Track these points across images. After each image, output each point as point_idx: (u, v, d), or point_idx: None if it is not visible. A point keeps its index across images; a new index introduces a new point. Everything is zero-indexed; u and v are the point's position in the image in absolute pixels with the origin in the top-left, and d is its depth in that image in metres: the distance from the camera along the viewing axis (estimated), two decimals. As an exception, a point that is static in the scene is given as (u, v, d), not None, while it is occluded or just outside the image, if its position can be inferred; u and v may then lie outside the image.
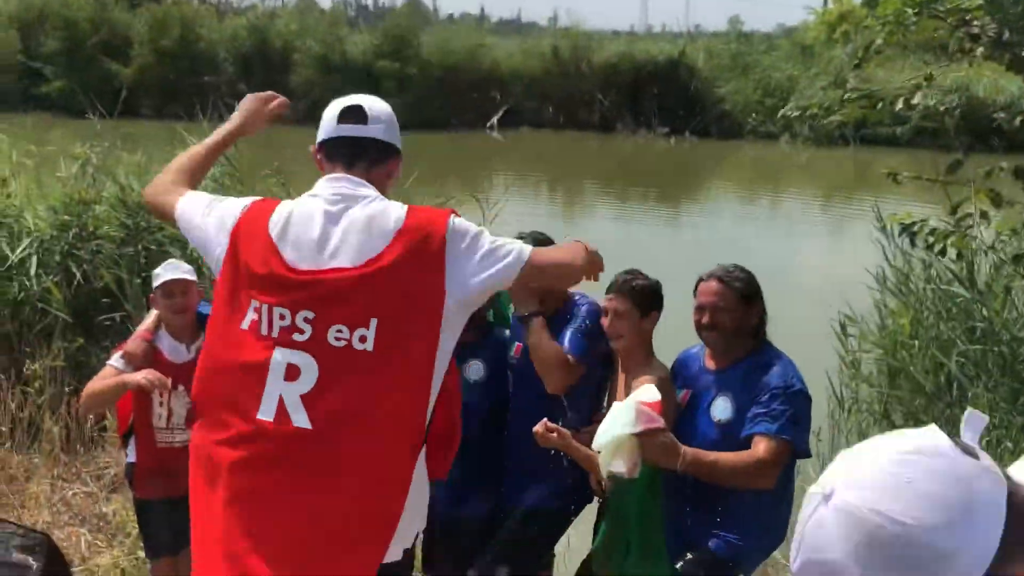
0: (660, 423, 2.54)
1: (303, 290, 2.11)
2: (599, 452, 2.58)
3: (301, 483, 2.06)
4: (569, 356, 3.10)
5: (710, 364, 3.02)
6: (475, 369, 3.34)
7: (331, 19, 30.02)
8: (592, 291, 3.17)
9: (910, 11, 3.25)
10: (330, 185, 2.28)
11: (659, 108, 25.89)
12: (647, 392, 2.65)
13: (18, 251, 6.00)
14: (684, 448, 2.63)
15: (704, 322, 2.93)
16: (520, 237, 3.10)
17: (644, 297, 3.05)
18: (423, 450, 2.17)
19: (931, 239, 3.50)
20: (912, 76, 3.53)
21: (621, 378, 3.15)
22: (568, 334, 3.15)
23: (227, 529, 2.05)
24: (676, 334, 3.28)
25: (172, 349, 3.50)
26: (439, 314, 2.11)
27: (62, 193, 6.43)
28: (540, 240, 3.06)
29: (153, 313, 3.58)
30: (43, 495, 4.83)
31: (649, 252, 12.60)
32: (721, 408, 2.87)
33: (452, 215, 2.22)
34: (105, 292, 6.00)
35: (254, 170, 7.56)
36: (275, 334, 2.09)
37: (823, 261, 12.47)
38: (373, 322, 2.06)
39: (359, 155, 2.32)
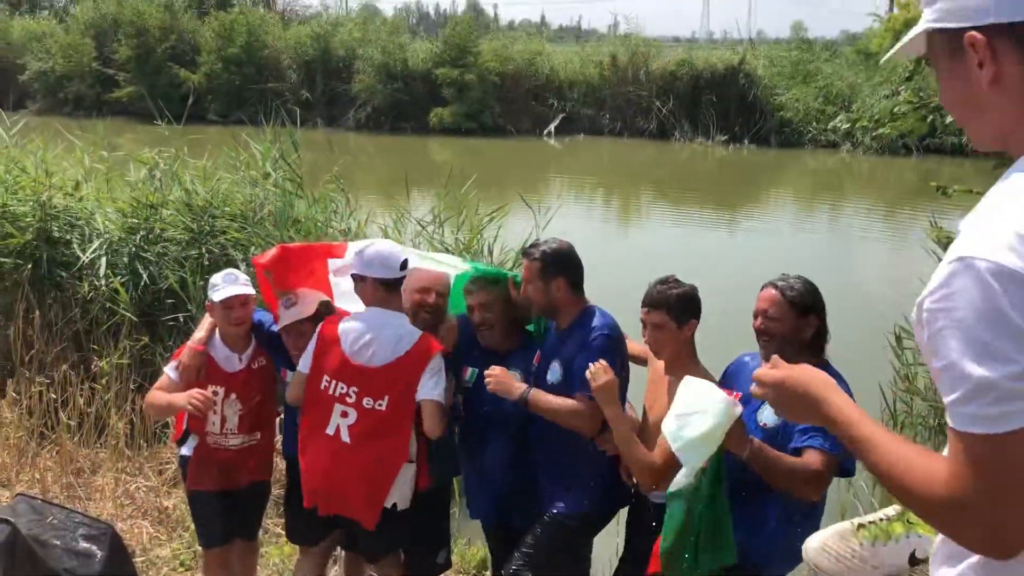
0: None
1: None
2: (681, 449, 2.62)
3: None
4: (584, 405, 3.12)
5: None
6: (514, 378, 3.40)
7: (392, 27, 30.41)
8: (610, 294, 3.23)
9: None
10: None
11: (717, 116, 25.67)
12: (700, 383, 2.74)
13: (89, 252, 6.24)
14: (751, 437, 2.72)
15: (757, 327, 2.97)
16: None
17: (681, 307, 3.08)
18: None
19: None
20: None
21: (664, 380, 3.17)
22: (580, 372, 3.12)
23: None
24: (734, 341, 3.29)
25: (226, 359, 3.64)
26: None
27: (130, 197, 6.66)
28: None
29: (207, 321, 3.67)
30: (108, 488, 5.03)
31: (705, 260, 12.55)
32: (768, 414, 2.89)
33: None
34: (169, 293, 6.20)
35: (315, 175, 7.73)
36: None
37: (882, 272, 12.28)
38: None
39: None
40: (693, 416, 2.61)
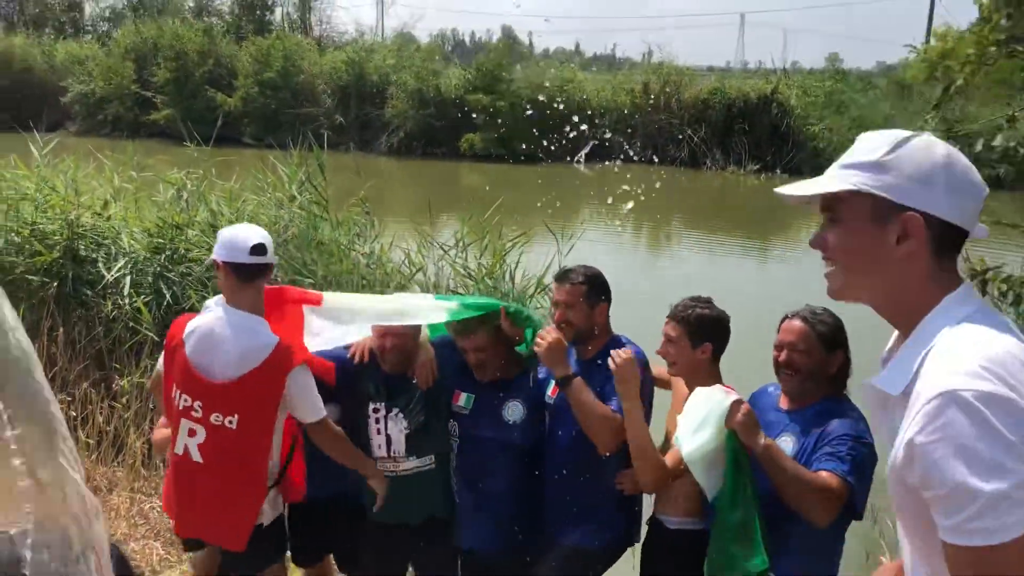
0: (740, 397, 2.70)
1: None
2: (690, 457, 2.72)
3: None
4: (617, 416, 3.05)
5: (783, 404, 2.96)
6: (514, 409, 3.34)
7: (426, 54, 30.69)
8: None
9: (992, 49, 3.16)
10: None
11: (749, 144, 25.60)
12: (707, 389, 2.79)
13: (114, 271, 6.29)
14: (764, 435, 2.68)
15: (781, 360, 2.88)
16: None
17: (699, 327, 3.01)
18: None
19: (1004, 287, 3.36)
20: (993, 117, 3.43)
21: (681, 399, 3.10)
22: (614, 394, 3.06)
23: None
24: (762, 371, 3.21)
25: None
26: None
27: (157, 217, 6.71)
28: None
29: None
30: (123, 507, 5.03)
31: (735, 288, 12.41)
32: (782, 445, 2.81)
33: None
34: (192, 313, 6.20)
35: (346, 199, 7.75)
36: None
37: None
38: None
39: None
40: (700, 421, 2.72)
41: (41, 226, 6.65)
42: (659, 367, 3.37)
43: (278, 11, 39.76)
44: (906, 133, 1.51)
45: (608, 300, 3.28)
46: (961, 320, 1.42)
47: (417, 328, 3.41)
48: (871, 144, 1.51)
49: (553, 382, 3.29)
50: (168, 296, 6.27)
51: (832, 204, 1.53)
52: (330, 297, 3.47)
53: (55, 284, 6.39)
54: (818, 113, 26.60)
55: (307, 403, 3.12)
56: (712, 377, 3.05)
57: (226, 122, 27.36)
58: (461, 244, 6.73)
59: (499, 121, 26.76)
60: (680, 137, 26.80)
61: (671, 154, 26.92)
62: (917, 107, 23.84)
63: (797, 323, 2.86)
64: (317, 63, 30.02)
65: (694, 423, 2.75)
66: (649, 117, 27.36)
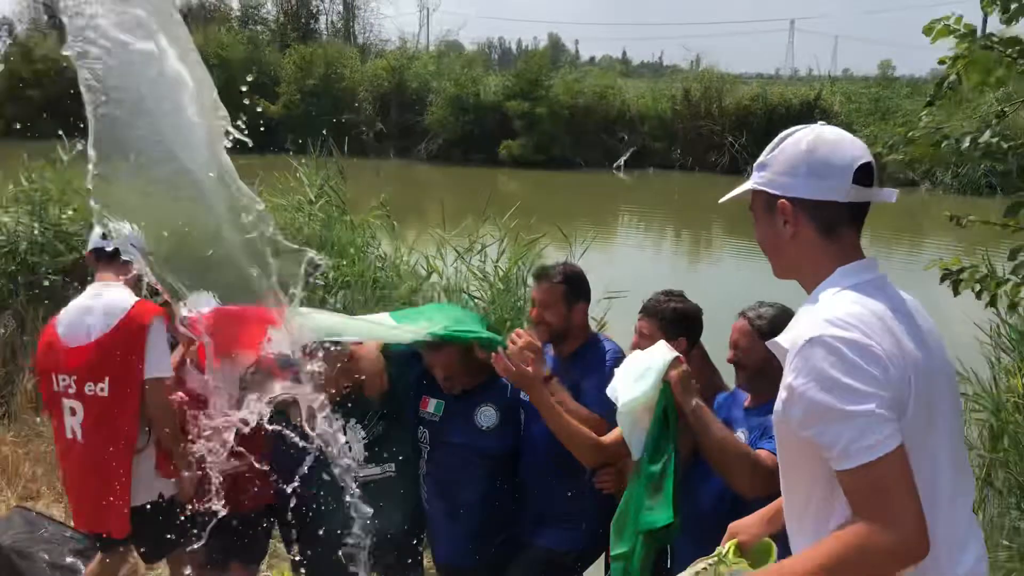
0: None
1: None
2: (623, 411, 2.64)
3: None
4: (597, 418, 2.96)
5: (747, 402, 2.88)
6: (487, 415, 3.23)
7: (466, 61, 30.81)
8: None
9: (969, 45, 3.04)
10: None
11: (792, 152, 25.22)
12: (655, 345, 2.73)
13: (132, 273, 6.34)
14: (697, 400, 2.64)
15: (728, 359, 2.84)
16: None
17: (672, 321, 2.92)
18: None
19: (978, 287, 3.23)
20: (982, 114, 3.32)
21: None
22: (592, 390, 3.00)
23: None
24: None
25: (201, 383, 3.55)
26: None
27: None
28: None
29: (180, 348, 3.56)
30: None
31: (774, 296, 12.13)
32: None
33: None
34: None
35: (359, 202, 7.79)
36: None
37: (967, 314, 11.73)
38: None
39: None
40: (640, 373, 2.64)
41: (64, 227, 6.76)
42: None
43: (322, 19, 40.23)
44: (790, 131, 1.77)
45: (587, 300, 3.21)
46: (846, 287, 1.65)
47: (341, 352, 3.22)
48: (771, 144, 1.77)
49: None
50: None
51: (751, 204, 1.81)
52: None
53: (76, 284, 6.46)
54: (863, 120, 26.15)
55: (152, 356, 3.16)
56: (702, 377, 2.97)
57: (269, 129, 27.80)
58: (477, 247, 6.71)
59: (537, 127, 26.76)
60: (721, 144, 26.53)
61: (711, 161, 26.65)
62: (967, 113, 23.35)
63: (739, 320, 2.84)
64: (359, 70, 30.26)
65: (634, 374, 2.66)
66: (690, 124, 27.13)
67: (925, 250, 18.27)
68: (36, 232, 6.82)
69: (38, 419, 5.84)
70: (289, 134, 28.17)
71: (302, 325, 3.20)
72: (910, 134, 3.40)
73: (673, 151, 27.46)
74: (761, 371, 2.73)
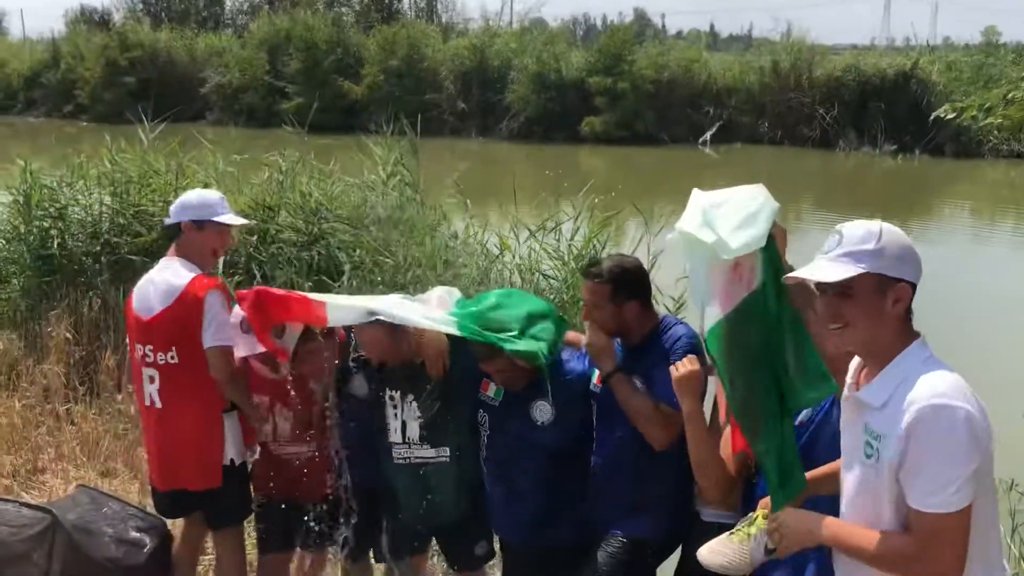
0: None
1: None
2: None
3: None
4: (666, 409, 2.85)
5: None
6: (542, 410, 3.14)
7: (548, 38, 30.49)
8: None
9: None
10: None
11: (886, 124, 24.23)
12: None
13: (207, 251, 6.42)
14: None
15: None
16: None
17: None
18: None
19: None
20: None
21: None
22: (663, 381, 2.86)
23: None
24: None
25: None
26: None
27: (250, 199, 6.83)
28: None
29: None
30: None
31: None
32: None
33: None
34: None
35: (437, 182, 7.73)
36: None
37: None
38: None
39: None
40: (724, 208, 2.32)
41: (144, 208, 6.88)
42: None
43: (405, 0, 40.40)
44: (879, 225, 2.04)
45: (641, 296, 3.04)
46: (925, 359, 2.02)
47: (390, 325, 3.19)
48: (861, 235, 2.04)
49: (597, 371, 3.11)
50: (258, 276, 6.38)
51: (845, 284, 2.02)
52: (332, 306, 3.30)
53: (153, 263, 6.58)
54: (963, 89, 24.88)
55: (211, 327, 3.35)
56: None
57: (353, 110, 28.08)
58: (551, 224, 6.55)
59: (620, 103, 26.33)
60: (811, 116, 25.66)
61: (801, 134, 25.81)
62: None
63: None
64: (441, 50, 30.26)
65: (735, 219, 2.31)
66: (778, 97, 26.30)
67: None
68: (118, 213, 6.97)
69: (119, 396, 5.97)
70: (371, 114, 28.64)
71: (340, 307, 3.20)
72: (1009, 95, 3.11)
73: (761, 125, 26.68)
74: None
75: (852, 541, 2.05)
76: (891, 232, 2.04)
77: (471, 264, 6.02)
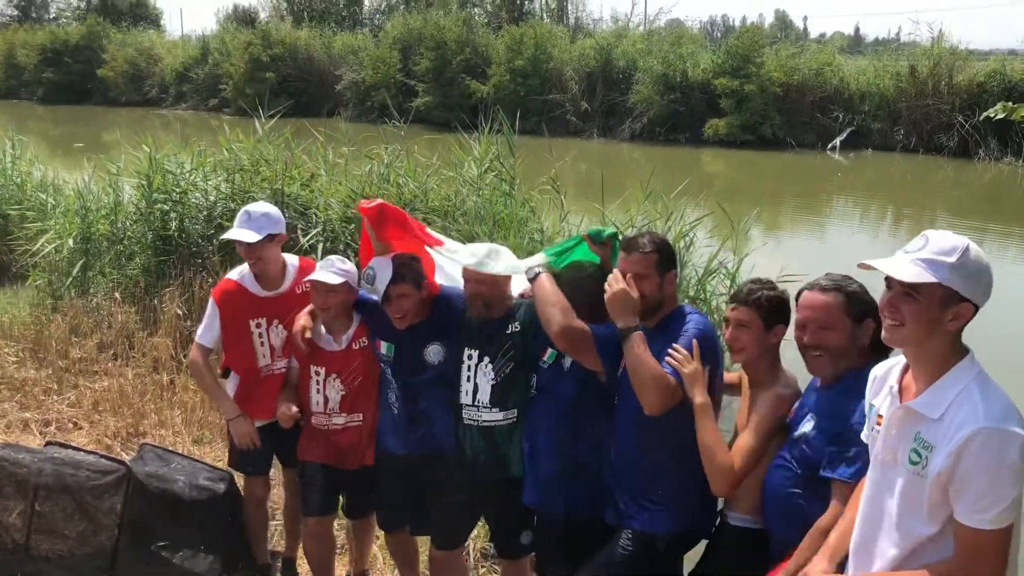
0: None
1: None
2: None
3: None
4: (670, 378, 2.89)
5: (820, 382, 2.79)
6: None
7: (675, 38, 30.15)
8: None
9: None
10: None
11: (1033, 133, 22.81)
12: None
13: (307, 238, 6.76)
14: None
15: (807, 341, 2.73)
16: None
17: (770, 309, 2.85)
18: None
19: None
20: None
21: (746, 393, 2.90)
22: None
23: None
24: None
25: (326, 340, 3.75)
26: None
27: (350, 189, 7.13)
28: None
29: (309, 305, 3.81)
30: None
31: (1008, 295, 11.14)
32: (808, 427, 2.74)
33: None
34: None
35: (529, 178, 7.84)
36: None
37: None
38: None
39: None
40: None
41: (254, 194, 7.27)
42: (730, 374, 3.19)
43: (537, 1, 40.67)
44: (966, 242, 2.07)
45: (676, 268, 3.13)
46: (976, 375, 2.07)
47: (505, 278, 3.45)
48: (946, 246, 2.07)
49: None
50: (354, 262, 6.64)
51: (913, 287, 2.08)
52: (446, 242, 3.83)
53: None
54: (1125, 97, 23.23)
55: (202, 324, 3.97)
56: (774, 363, 2.82)
57: (478, 108, 28.53)
58: (632, 224, 6.58)
59: (746, 106, 25.78)
60: (950, 124, 24.44)
61: (938, 143, 24.62)
62: None
63: (816, 295, 2.71)
64: (567, 50, 30.37)
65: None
66: (915, 102, 25.16)
67: None
68: (230, 198, 7.40)
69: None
70: (496, 113, 28.97)
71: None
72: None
73: (895, 132, 25.60)
74: (845, 351, 2.55)
75: None
76: (975, 252, 2.07)
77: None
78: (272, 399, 3.83)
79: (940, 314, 2.06)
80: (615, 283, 2.98)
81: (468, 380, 3.44)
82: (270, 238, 3.87)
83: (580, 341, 3.11)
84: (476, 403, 3.43)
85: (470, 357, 3.44)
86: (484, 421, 3.42)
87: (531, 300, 3.35)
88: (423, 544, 4.00)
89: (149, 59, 42.01)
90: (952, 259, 2.05)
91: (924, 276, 2.05)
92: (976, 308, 2.07)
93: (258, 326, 3.92)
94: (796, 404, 2.81)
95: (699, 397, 2.82)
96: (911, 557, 2.11)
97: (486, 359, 3.41)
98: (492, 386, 3.40)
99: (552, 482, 3.33)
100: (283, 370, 3.97)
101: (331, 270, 3.64)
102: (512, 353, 3.39)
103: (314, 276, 3.63)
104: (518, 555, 3.68)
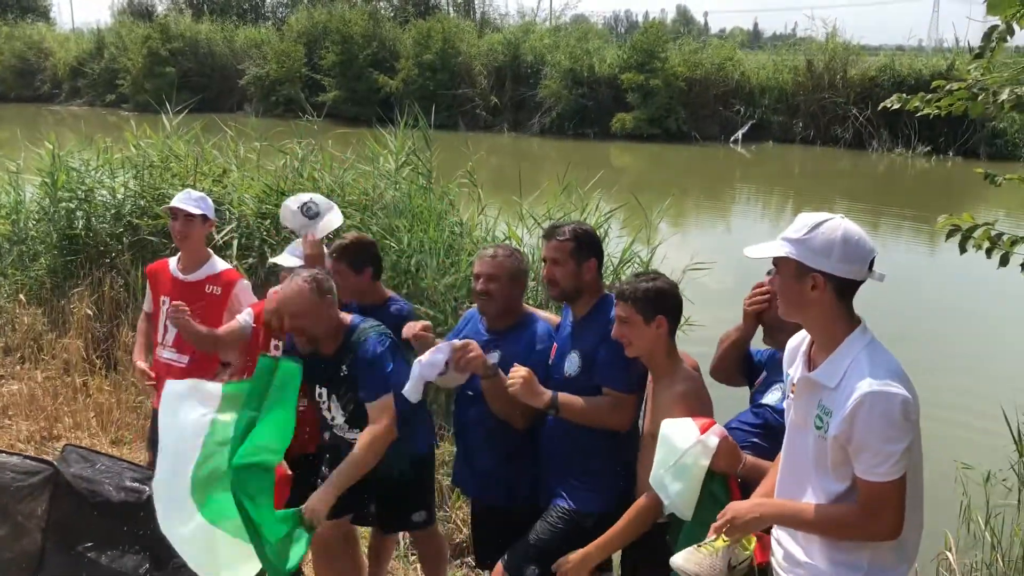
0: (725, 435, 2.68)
1: None
2: (671, 507, 2.71)
3: None
4: (614, 395, 3.02)
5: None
6: (492, 357, 3.30)
7: (581, 34, 30.54)
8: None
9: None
10: None
11: (920, 125, 23.95)
12: (675, 426, 2.71)
13: (223, 233, 6.66)
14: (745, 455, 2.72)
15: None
16: None
17: (648, 302, 2.87)
18: None
19: (988, 244, 3.00)
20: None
21: (650, 386, 2.99)
22: (606, 362, 3.04)
23: None
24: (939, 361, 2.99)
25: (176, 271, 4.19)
26: None
27: (264, 184, 7.05)
28: None
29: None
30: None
31: (903, 274, 11.71)
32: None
33: None
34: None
35: (447, 172, 7.87)
36: None
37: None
38: None
39: None
40: (674, 468, 2.67)
41: (163, 191, 7.13)
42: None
43: (443, -6, 40.57)
44: (824, 217, 2.23)
45: (597, 257, 3.21)
46: (867, 345, 2.24)
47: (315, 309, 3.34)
48: (799, 224, 2.25)
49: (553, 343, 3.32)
50: (270, 258, 6.58)
51: (777, 261, 2.31)
52: None
53: (172, 244, 6.82)
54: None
55: None
56: (669, 355, 2.91)
57: (387, 103, 28.32)
58: (548, 217, 6.70)
59: (652, 100, 26.31)
60: (845, 117, 25.47)
61: (834, 134, 25.64)
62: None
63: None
64: (475, 44, 30.44)
65: (670, 468, 2.68)
66: (812, 96, 26.13)
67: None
68: (139, 196, 7.23)
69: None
70: (405, 107, 28.79)
71: None
72: (948, 87, 3.20)
73: (794, 124, 26.54)
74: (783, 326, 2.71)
75: (797, 516, 2.31)
76: (831, 228, 2.21)
77: (474, 251, 6.17)
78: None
79: (798, 285, 2.23)
80: (515, 375, 3.06)
81: (328, 409, 3.50)
82: (203, 218, 4.09)
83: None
84: (336, 425, 3.51)
85: (320, 395, 3.50)
86: (351, 439, 3.45)
87: (362, 336, 3.36)
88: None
89: (39, 53, 40.27)
90: (799, 234, 2.22)
91: (777, 251, 2.25)
92: (838, 279, 2.20)
93: (163, 303, 4.10)
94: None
95: (539, 403, 3.02)
96: None
97: (334, 396, 3.47)
98: (344, 416, 3.48)
99: (490, 473, 3.39)
100: (171, 361, 4.08)
101: (192, 199, 4.06)
102: (350, 395, 3.41)
103: (175, 203, 4.03)
104: (411, 528, 3.82)
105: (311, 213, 3.95)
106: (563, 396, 3.05)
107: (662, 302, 2.89)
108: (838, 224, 2.22)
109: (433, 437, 3.88)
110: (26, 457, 3.61)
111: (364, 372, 3.31)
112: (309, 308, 3.27)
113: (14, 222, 7.55)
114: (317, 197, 4.15)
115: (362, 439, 3.24)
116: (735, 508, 2.40)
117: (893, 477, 2.14)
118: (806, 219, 2.25)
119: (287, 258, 3.99)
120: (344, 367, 3.37)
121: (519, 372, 3.05)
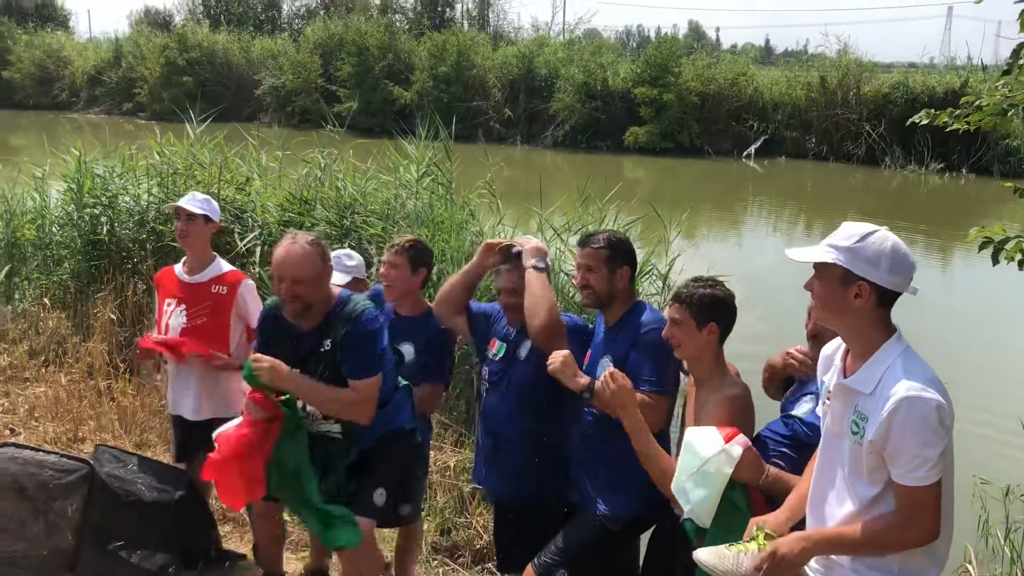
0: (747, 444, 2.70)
1: None
2: (691, 514, 2.74)
3: None
4: (648, 395, 3.06)
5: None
6: (526, 346, 3.41)
7: (595, 48, 30.67)
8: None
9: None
10: None
11: (933, 142, 23.94)
12: (699, 434, 2.75)
13: (244, 241, 6.74)
14: (767, 466, 2.73)
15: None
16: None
17: (702, 308, 2.91)
18: None
19: (1019, 256, 3.04)
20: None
21: (692, 391, 3.04)
22: (637, 364, 3.10)
23: None
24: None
25: (181, 272, 4.25)
26: None
27: (287, 192, 7.13)
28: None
29: None
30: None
31: (920, 288, 11.61)
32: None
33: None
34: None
35: (465, 183, 7.95)
36: None
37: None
38: None
39: None
40: (697, 475, 2.71)
41: (187, 198, 7.20)
42: None
43: (458, 7, 40.87)
44: (872, 227, 2.27)
45: (631, 265, 3.27)
46: (902, 352, 2.28)
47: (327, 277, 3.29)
48: (848, 233, 2.28)
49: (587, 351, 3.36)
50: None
51: (819, 267, 2.33)
52: None
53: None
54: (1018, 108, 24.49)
55: None
56: (717, 361, 2.96)
57: (402, 114, 28.48)
58: (569, 228, 6.76)
59: (665, 114, 26.39)
60: (858, 133, 25.49)
61: (847, 151, 25.67)
62: None
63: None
64: (490, 57, 30.60)
65: (692, 474, 2.72)
66: (825, 112, 26.18)
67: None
68: (163, 202, 7.32)
69: (157, 376, 6.29)
70: (420, 119, 28.95)
71: None
72: (976, 102, 3.26)
73: (807, 140, 26.58)
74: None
75: (841, 540, 2.34)
76: (881, 239, 2.27)
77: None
78: None
79: (842, 292, 2.27)
80: (555, 358, 3.11)
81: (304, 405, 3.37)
82: (206, 219, 4.17)
83: (559, 337, 3.27)
84: (310, 413, 3.39)
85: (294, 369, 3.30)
86: (322, 431, 3.38)
87: (358, 308, 3.27)
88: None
89: (58, 61, 40.68)
90: (849, 242, 2.26)
91: (823, 256, 2.29)
92: (883, 289, 2.25)
93: (168, 305, 4.18)
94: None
95: (626, 420, 2.97)
96: (859, 513, 2.32)
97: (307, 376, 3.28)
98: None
99: (523, 471, 3.44)
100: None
101: (196, 201, 4.13)
102: (327, 374, 3.26)
103: (181, 202, 4.11)
104: (371, 515, 3.39)
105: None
106: (598, 383, 3.07)
107: (716, 309, 2.93)
108: (887, 235, 2.27)
109: (414, 422, 3.61)
110: (63, 455, 3.67)
111: (356, 346, 3.19)
112: (312, 273, 3.15)
113: (39, 227, 7.64)
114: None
115: (341, 393, 3.18)
116: (779, 545, 2.38)
117: (931, 481, 2.18)
118: (854, 228, 2.29)
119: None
120: (328, 341, 3.22)
121: (559, 353, 3.13)
